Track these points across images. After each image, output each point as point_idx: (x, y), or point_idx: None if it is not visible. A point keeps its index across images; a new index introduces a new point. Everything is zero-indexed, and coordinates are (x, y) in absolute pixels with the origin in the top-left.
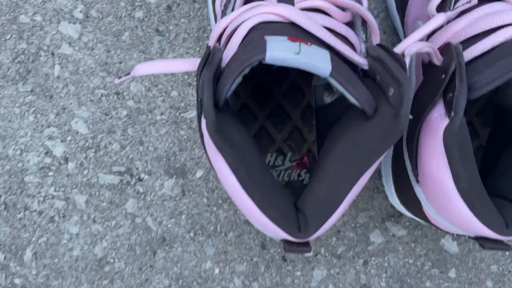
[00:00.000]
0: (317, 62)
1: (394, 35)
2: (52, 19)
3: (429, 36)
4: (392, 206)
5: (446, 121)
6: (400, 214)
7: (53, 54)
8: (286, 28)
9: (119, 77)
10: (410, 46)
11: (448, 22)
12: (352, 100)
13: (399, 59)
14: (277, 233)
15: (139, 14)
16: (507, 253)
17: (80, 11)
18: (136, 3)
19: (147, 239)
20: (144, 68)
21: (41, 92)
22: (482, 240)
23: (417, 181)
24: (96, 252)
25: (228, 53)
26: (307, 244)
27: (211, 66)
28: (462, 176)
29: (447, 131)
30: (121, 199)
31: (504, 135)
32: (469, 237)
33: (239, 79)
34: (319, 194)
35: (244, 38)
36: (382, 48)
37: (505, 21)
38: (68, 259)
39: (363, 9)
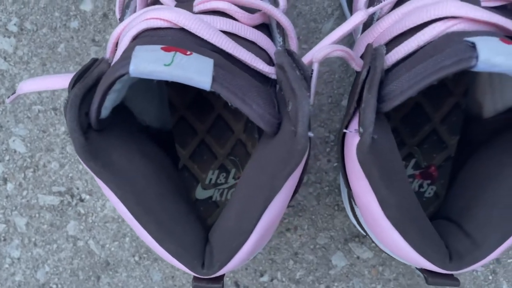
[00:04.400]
0: (193, 74)
1: (351, 35)
2: None
3: None
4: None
5: (358, 138)
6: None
7: None
8: (174, 35)
9: (8, 97)
10: (318, 51)
11: (378, 19)
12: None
13: (301, 66)
14: (180, 267)
15: (74, 24)
16: (490, 277)
17: (15, 24)
18: (71, 13)
19: (90, 264)
20: (27, 85)
21: None
22: (425, 273)
23: (355, 203)
24: (39, 277)
25: None
26: (218, 279)
27: (86, 81)
28: (389, 201)
29: (359, 149)
30: (62, 221)
31: (471, 146)
32: (416, 268)
33: (113, 96)
34: (227, 224)
35: None
36: (288, 53)
37: (433, 15)
38: (10, 284)
39: (273, 9)
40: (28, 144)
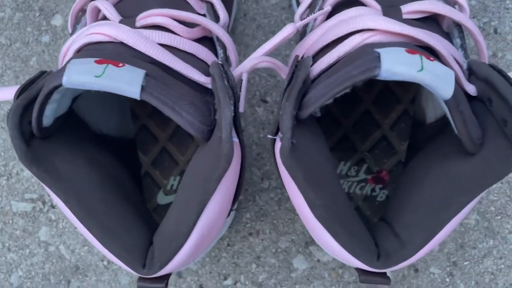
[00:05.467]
0: (122, 84)
1: None
2: None
3: None
4: None
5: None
6: None
7: None
8: (113, 48)
9: None
10: (247, 62)
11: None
12: None
13: (229, 77)
14: (124, 267)
15: (45, 38)
16: (447, 279)
17: None
18: (43, 28)
19: (61, 268)
20: None
21: None
22: (359, 272)
23: None
24: (12, 281)
25: None
26: (161, 279)
27: (30, 92)
28: (316, 203)
29: (281, 154)
30: (34, 227)
31: (417, 151)
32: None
33: (53, 105)
34: (167, 227)
35: None
36: (221, 65)
37: (352, 27)
38: None
39: (210, 24)
40: (2, 153)
